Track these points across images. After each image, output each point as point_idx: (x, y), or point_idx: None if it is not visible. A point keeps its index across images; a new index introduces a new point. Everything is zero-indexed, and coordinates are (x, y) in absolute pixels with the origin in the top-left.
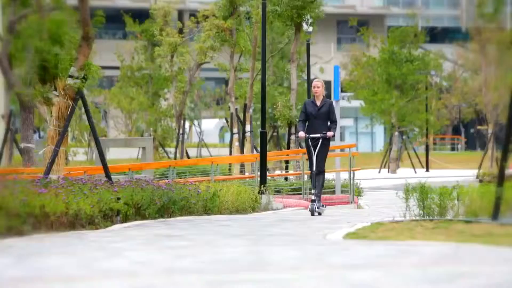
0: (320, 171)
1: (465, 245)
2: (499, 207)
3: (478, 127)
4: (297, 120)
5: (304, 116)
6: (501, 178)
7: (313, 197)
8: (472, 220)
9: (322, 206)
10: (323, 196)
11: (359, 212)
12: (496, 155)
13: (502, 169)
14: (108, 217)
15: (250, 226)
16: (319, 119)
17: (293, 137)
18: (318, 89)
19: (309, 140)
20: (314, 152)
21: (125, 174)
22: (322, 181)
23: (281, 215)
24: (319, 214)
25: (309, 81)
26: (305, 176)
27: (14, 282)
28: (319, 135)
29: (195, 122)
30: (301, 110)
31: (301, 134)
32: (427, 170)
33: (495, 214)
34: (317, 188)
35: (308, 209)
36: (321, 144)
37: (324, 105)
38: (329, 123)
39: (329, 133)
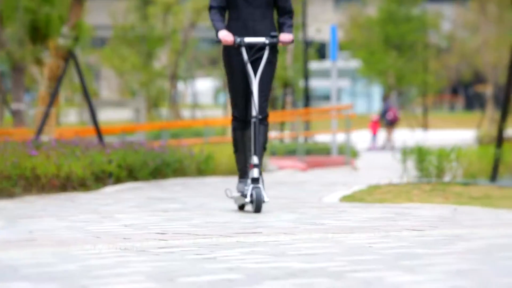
0: (264, 116)
1: (462, 208)
2: (498, 169)
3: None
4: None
5: None
6: (500, 140)
7: (255, 174)
8: (470, 182)
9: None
10: (317, 158)
11: (356, 174)
12: (495, 116)
13: (501, 131)
14: (100, 179)
15: None
16: (256, 6)
17: (288, 98)
18: None
19: (243, 50)
20: (255, 77)
21: (117, 136)
22: (265, 138)
23: (276, 178)
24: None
25: (306, 42)
26: (300, 138)
27: (6, 245)
28: (263, 39)
29: (189, 82)
30: None
31: (224, 35)
32: (426, 130)
33: (494, 176)
34: (258, 149)
35: (252, 199)
36: (266, 60)
37: None
38: (276, 16)
39: (285, 37)
